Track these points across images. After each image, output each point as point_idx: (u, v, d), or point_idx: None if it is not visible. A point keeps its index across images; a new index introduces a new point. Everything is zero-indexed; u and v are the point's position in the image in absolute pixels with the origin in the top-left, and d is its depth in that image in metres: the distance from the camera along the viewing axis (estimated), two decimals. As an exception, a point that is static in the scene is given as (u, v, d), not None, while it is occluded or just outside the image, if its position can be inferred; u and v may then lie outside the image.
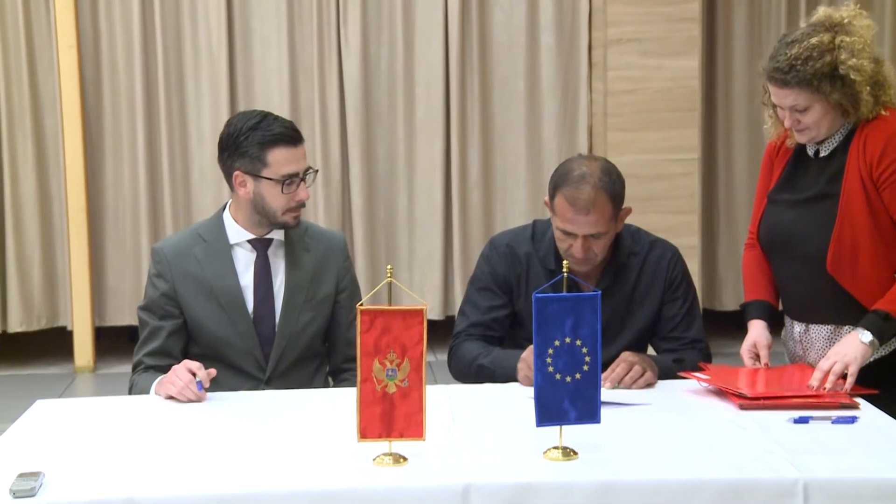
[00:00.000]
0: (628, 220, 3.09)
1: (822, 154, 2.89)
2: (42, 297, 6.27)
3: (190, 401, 2.68)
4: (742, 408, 2.58)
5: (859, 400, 2.61)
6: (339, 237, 3.21)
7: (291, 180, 2.94)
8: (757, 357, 2.93)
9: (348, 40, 6.22)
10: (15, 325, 6.25)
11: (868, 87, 2.76)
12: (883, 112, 2.80)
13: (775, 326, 3.03)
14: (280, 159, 2.92)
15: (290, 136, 2.94)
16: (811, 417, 2.49)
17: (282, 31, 6.22)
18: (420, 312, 2.19)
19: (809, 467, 2.16)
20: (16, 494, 2.02)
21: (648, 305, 3.08)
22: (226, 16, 6.17)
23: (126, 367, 6.21)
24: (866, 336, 2.72)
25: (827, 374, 2.66)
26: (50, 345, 6.49)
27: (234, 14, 6.22)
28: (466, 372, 3.06)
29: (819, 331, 2.92)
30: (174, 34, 6.23)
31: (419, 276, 6.38)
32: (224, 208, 3.09)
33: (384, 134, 6.34)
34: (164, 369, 2.91)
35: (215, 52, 6.19)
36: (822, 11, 2.83)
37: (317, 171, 3.04)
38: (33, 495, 2.03)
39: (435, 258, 6.38)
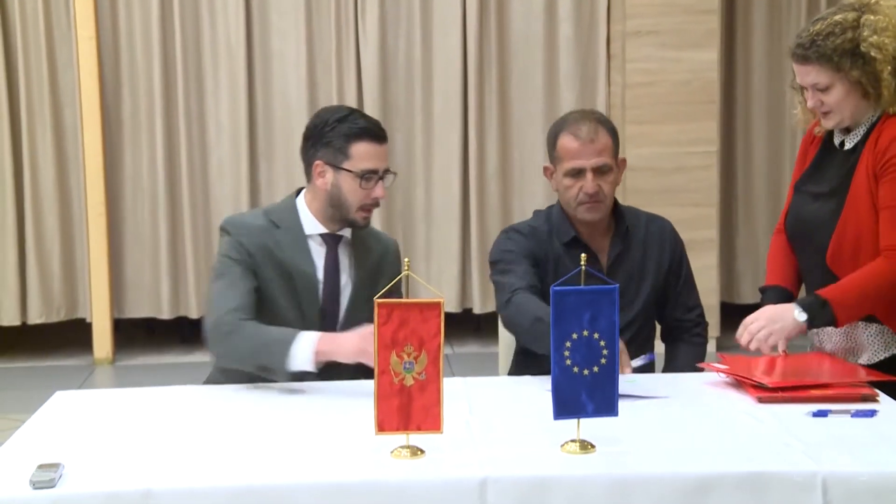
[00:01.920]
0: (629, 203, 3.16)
1: (847, 146, 2.87)
2: (61, 289, 6.30)
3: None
4: (760, 401, 2.57)
5: (879, 393, 2.60)
6: (395, 242, 3.23)
7: (370, 176, 2.94)
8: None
9: (366, 33, 6.22)
10: (35, 316, 6.29)
11: (889, 67, 2.74)
12: None
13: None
14: (362, 153, 2.93)
15: (376, 132, 2.96)
16: (830, 411, 2.48)
17: (300, 24, 6.23)
18: (437, 305, 2.19)
19: (828, 461, 2.15)
20: (36, 485, 2.03)
21: (657, 273, 3.15)
22: (244, 8, 6.19)
23: (144, 359, 6.30)
24: (802, 316, 2.75)
25: (753, 336, 2.74)
26: (69, 336, 6.52)
27: (253, 7, 6.24)
28: (522, 321, 2.94)
29: None
30: (193, 27, 6.24)
31: (436, 269, 6.39)
32: (295, 198, 3.06)
33: (402, 126, 6.34)
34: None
35: (234, 45, 6.21)
36: None
37: (396, 174, 3.05)
38: (53, 486, 2.04)
39: (452, 250, 6.38)
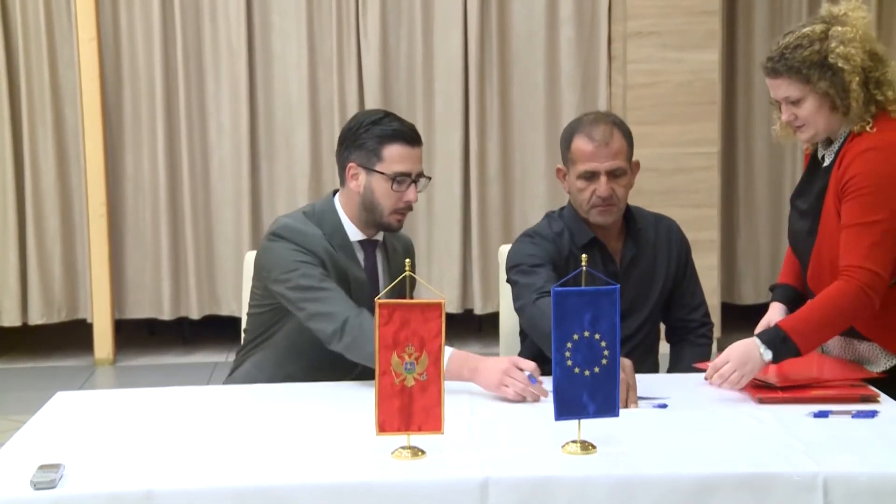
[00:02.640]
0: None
1: (826, 163, 2.85)
2: (62, 289, 6.30)
3: (534, 398, 2.61)
4: (761, 402, 2.57)
5: (880, 394, 2.60)
6: (410, 240, 3.24)
7: (403, 179, 2.94)
8: None
9: (367, 34, 6.22)
10: (36, 317, 6.29)
11: (858, 78, 2.70)
12: (868, 129, 2.73)
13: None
14: (395, 156, 2.93)
15: (409, 135, 2.96)
16: (831, 412, 2.48)
17: (301, 25, 6.23)
18: (438, 306, 2.19)
19: (829, 462, 2.15)
20: (37, 486, 2.03)
21: (666, 274, 3.15)
22: (245, 10, 6.18)
23: (145, 360, 6.30)
24: (767, 354, 2.65)
25: (725, 378, 2.65)
26: (70, 337, 6.52)
27: (254, 8, 6.23)
28: (545, 325, 2.78)
29: (835, 340, 2.90)
30: (194, 28, 6.24)
31: (437, 270, 6.38)
32: (331, 203, 3.05)
33: (403, 127, 6.32)
34: None
35: (235, 46, 6.21)
36: (825, 8, 2.83)
37: (430, 178, 3.04)
38: (54, 487, 2.04)
39: (453, 251, 6.38)
